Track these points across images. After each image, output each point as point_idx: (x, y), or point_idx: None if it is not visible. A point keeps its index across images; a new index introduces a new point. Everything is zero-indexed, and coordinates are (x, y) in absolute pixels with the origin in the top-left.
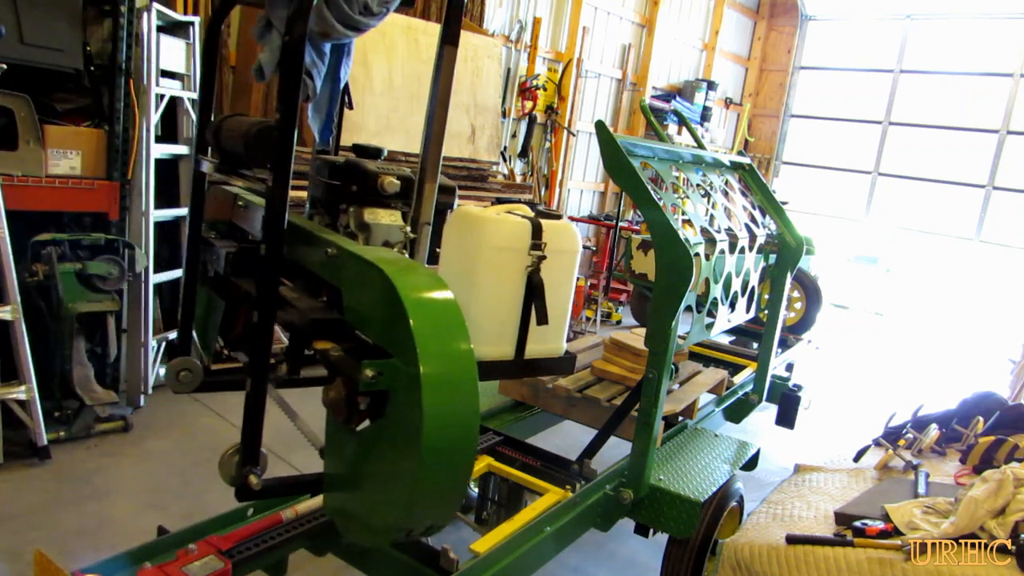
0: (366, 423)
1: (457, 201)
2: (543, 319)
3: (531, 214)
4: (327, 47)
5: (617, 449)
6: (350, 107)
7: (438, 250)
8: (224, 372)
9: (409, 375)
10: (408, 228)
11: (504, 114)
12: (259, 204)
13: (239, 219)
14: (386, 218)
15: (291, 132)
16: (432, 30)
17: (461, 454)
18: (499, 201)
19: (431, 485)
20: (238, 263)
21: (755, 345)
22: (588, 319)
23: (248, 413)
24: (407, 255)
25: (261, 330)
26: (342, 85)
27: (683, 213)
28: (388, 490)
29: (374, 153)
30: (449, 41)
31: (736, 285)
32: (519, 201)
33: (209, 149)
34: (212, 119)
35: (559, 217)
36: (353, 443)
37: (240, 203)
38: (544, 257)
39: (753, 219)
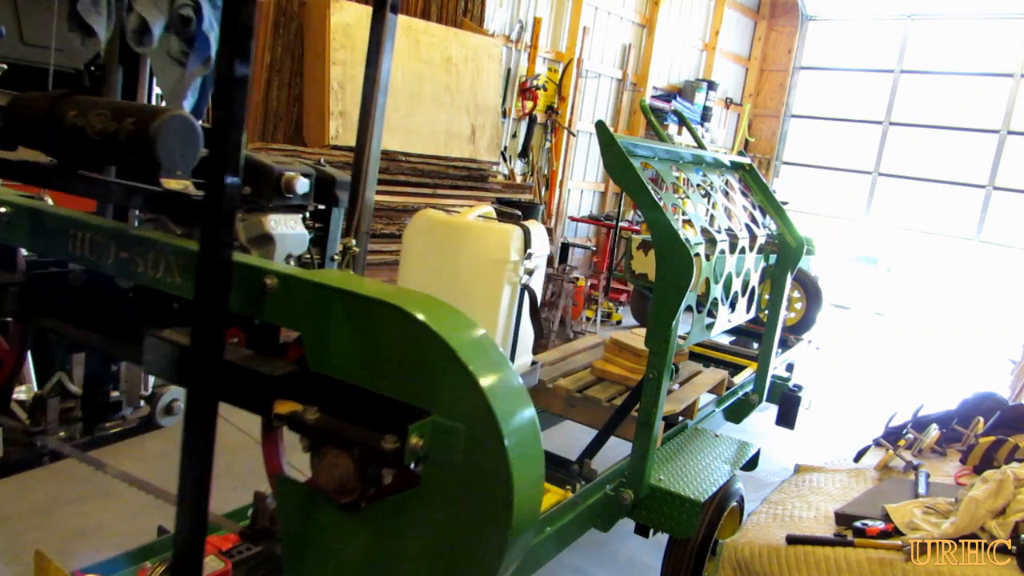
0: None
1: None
2: (541, 332)
3: (494, 215)
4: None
5: (617, 449)
6: None
7: (334, 256)
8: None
9: (472, 432)
10: (352, 241)
11: (504, 114)
12: (34, 207)
13: None
14: (293, 226)
15: (240, 126)
16: (432, 30)
17: (537, 496)
18: (499, 201)
19: (518, 535)
20: (33, 295)
21: (755, 345)
22: (588, 319)
23: (182, 525)
24: (350, 270)
25: (202, 409)
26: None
27: (683, 213)
28: (456, 553)
29: None
30: (380, 5)
31: (736, 285)
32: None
33: None
34: None
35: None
36: (359, 523)
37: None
38: (536, 268)
39: (753, 219)
